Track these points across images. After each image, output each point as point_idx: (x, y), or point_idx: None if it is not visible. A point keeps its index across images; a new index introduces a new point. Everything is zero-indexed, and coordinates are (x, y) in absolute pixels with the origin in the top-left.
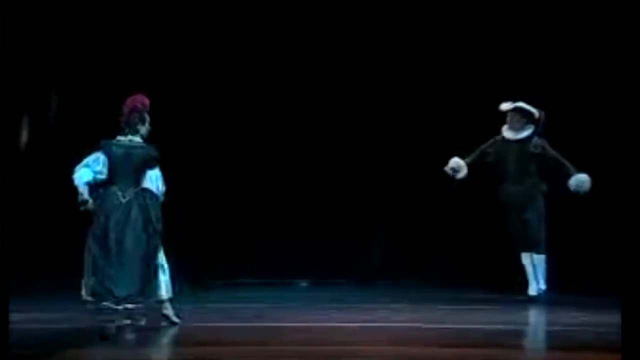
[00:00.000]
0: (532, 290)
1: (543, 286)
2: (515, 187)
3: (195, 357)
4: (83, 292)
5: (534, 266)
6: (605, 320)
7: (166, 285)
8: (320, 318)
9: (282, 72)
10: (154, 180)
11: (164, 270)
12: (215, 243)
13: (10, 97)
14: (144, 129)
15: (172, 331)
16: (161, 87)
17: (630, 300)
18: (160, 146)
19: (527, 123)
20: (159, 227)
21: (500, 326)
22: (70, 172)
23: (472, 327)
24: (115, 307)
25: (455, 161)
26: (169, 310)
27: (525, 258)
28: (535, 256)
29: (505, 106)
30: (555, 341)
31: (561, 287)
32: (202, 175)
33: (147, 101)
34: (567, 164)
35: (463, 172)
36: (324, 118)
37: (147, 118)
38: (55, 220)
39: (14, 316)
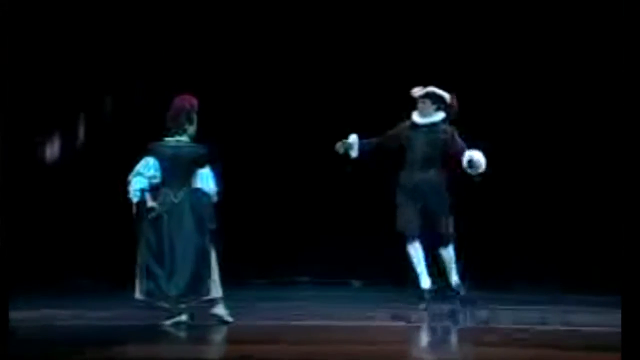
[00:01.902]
0: (426, 284)
1: (458, 280)
2: (420, 175)
3: (242, 355)
4: (137, 292)
5: (446, 261)
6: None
7: (218, 284)
8: (367, 317)
9: (329, 78)
10: (205, 179)
11: (215, 269)
12: (264, 242)
13: (66, 97)
14: (191, 129)
15: (223, 329)
16: (213, 88)
17: (630, 300)
18: (210, 146)
19: (439, 109)
20: (212, 226)
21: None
22: (124, 171)
23: (518, 327)
24: (169, 306)
25: (353, 138)
26: (221, 309)
27: (415, 249)
28: (445, 251)
29: (416, 91)
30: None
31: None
32: (251, 175)
33: (195, 101)
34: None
35: (355, 150)
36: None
37: (195, 118)
38: (109, 219)
39: (61, 313)
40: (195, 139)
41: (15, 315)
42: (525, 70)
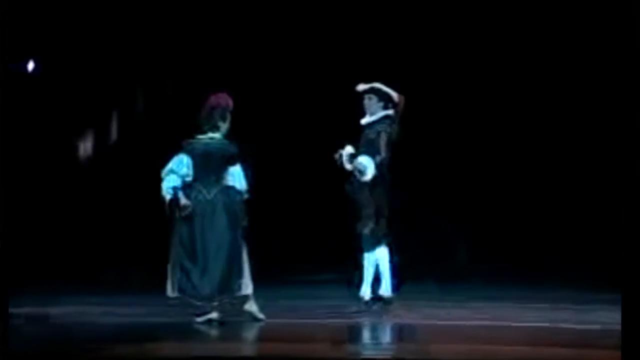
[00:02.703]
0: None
1: (365, 293)
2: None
3: (277, 353)
4: (169, 289)
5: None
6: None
7: (249, 281)
8: (405, 315)
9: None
10: (236, 177)
11: (247, 266)
12: (293, 239)
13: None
14: (224, 127)
15: (255, 327)
16: (246, 86)
17: (630, 299)
18: (241, 144)
19: (386, 107)
20: (243, 223)
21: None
22: (156, 167)
23: (559, 327)
24: (201, 303)
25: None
26: (253, 307)
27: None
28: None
29: (361, 87)
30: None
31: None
32: (283, 172)
33: (230, 101)
34: (380, 155)
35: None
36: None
37: (229, 117)
38: (143, 216)
39: (99, 309)
40: (227, 137)
41: (47, 311)
42: (538, 69)
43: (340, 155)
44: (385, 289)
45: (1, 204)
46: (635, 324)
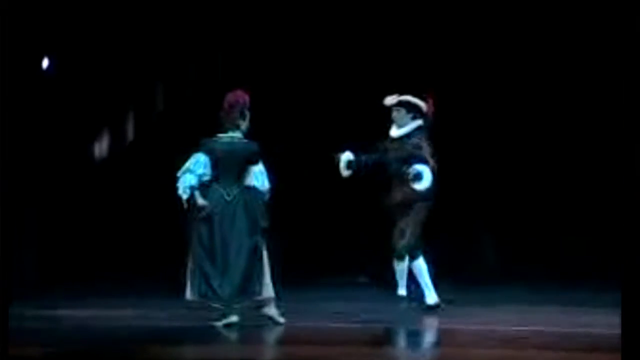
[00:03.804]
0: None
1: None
2: (395, 192)
3: (297, 356)
4: (188, 292)
5: (401, 271)
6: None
7: (269, 284)
8: (431, 319)
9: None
10: (258, 177)
11: (267, 269)
12: (319, 241)
13: (117, 94)
14: (244, 125)
15: (276, 330)
16: (268, 83)
17: (630, 300)
18: (263, 144)
19: (415, 118)
20: (264, 225)
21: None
22: (174, 167)
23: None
24: (221, 306)
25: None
26: (272, 310)
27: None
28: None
29: (389, 100)
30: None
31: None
32: (310, 174)
33: (247, 97)
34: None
35: (345, 170)
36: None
37: (247, 114)
38: (158, 217)
39: (119, 313)
40: (247, 136)
41: (78, 313)
42: (549, 68)
43: (339, 160)
44: (430, 296)
45: (2, 205)
46: (635, 324)
